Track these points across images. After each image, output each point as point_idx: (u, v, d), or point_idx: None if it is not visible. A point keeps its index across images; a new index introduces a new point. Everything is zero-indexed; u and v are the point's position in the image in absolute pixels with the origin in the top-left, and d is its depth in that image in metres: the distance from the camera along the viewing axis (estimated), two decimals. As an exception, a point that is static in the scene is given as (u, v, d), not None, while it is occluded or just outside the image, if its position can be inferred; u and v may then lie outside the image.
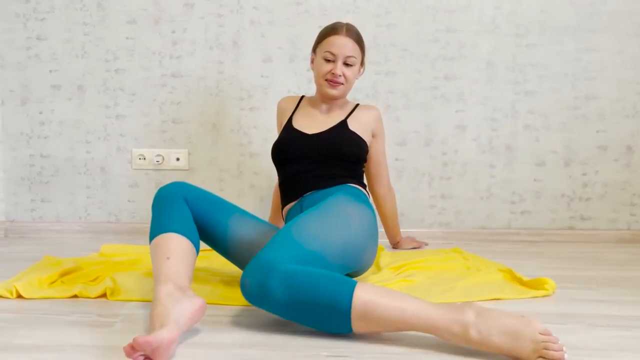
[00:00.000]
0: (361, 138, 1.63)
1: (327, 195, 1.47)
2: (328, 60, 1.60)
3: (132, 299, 1.30)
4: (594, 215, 2.27)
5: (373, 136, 1.75)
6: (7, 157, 2.26)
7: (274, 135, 1.86)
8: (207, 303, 1.25)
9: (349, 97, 1.98)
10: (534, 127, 2.25)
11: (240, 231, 1.38)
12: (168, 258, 1.16)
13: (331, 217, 1.27)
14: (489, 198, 2.28)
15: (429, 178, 2.27)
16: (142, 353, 0.89)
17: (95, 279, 1.45)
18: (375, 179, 1.88)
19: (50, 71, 2.23)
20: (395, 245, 2.05)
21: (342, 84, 1.61)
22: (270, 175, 2.24)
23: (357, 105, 1.72)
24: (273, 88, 2.23)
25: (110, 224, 2.27)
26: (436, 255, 1.83)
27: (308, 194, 1.53)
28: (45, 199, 2.28)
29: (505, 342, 0.92)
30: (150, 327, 0.98)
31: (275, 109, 1.93)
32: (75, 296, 1.31)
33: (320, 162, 1.55)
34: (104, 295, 1.33)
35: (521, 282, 1.46)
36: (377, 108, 1.76)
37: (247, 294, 1.06)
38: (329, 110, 1.69)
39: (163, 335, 0.90)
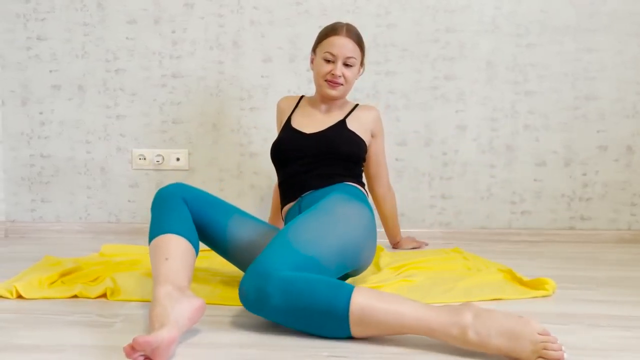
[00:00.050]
0: (360, 137, 1.63)
1: (325, 195, 1.47)
2: (328, 61, 1.60)
3: (132, 299, 1.30)
4: (594, 215, 2.27)
5: (372, 136, 1.75)
6: (7, 157, 2.26)
7: (274, 135, 1.86)
8: (207, 303, 1.25)
9: (349, 97, 1.98)
10: (534, 127, 2.25)
11: (239, 232, 1.38)
12: (167, 259, 1.16)
13: (328, 218, 1.26)
14: (489, 198, 2.28)
15: (429, 178, 2.27)
16: (142, 353, 0.89)
17: (95, 279, 1.45)
18: (375, 179, 1.88)
19: (51, 71, 2.23)
20: (395, 245, 2.05)
21: (342, 84, 1.61)
22: (270, 175, 2.24)
23: (357, 105, 1.72)
24: (273, 88, 2.23)
25: (110, 224, 2.27)
26: (436, 256, 1.83)
27: (306, 194, 1.53)
28: (45, 199, 2.28)
29: (504, 343, 0.92)
30: (150, 328, 0.98)
31: (275, 109, 1.93)
32: (75, 296, 1.31)
33: (318, 161, 1.55)
34: (104, 296, 1.33)
35: (521, 282, 1.46)
36: (377, 108, 1.76)
37: (245, 302, 1.06)
38: (328, 110, 1.69)
39: (163, 335, 0.91)
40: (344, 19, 2.14)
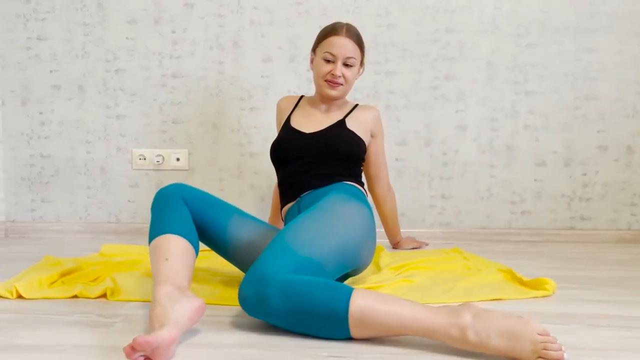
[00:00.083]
0: (359, 137, 1.63)
1: (324, 195, 1.47)
2: (328, 61, 1.60)
3: (132, 299, 1.30)
4: (594, 215, 2.27)
5: (372, 136, 1.75)
6: (7, 157, 2.26)
7: (274, 135, 1.86)
8: (207, 303, 1.25)
9: (348, 97, 1.99)
10: (534, 127, 2.25)
11: (239, 232, 1.38)
12: (167, 259, 1.16)
13: (327, 218, 1.26)
14: (489, 198, 2.28)
15: (429, 178, 2.27)
16: (142, 353, 0.89)
17: (95, 279, 1.45)
18: (374, 179, 1.88)
19: (51, 71, 2.23)
20: (395, 245, 2.05)
21: (342, 84, 1.61)
22: (270, 175, 2.24)
23: (357, 105, 1.72)
24: (273, 88, 2.23)
25: (110, 224, 2.27)
26: (436, 256, 1.83)
27: (306, 193, 1.53)
28: (45, 199, 2.28)
29: (503, 343, 0.92)
30: (150, 328, 0.98)
31: (275, 109, 1.92)
32: (75, 296, 1.31)
33: (318, 161, 1.55)
34: (104, 296, 1.33)
35: (521, 282, 1.46)
36: (377, 109, 1.76)
37: (245, 306, 1.06)
38: (327, 110, 1.69)
39: (163, 335, 0.91)
40: (344, 19, 2.14)
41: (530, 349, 0.91)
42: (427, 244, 2.11)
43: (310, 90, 2.19)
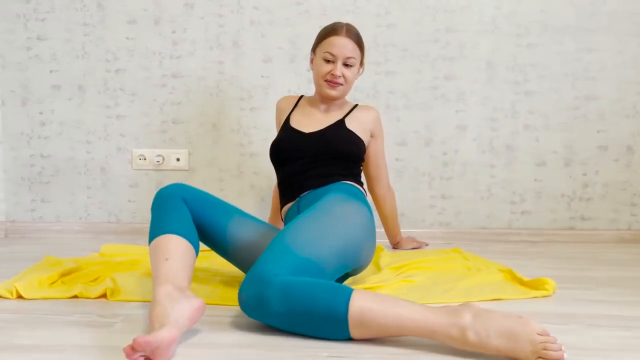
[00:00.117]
0: (359, 137, 1.63)
1: (323, 195, 1.47)
2: (328, 61, 1.60)
3: (132, 300, 1.30)
4: (594, 216, 2.27)
5: (372, 136, 1.75)
6: (7, 157, 2.26)
7: (274, 135, 1.86)
8: (207, 303, 1.25)
9: (348, 97, 1.99)
10: (534, 127, 2.25)
11: (239, 232, 1.38)
12: (167, 259, 1.16)
13: (326, 218, 1.26)
14: (489, 198, 2.28)
15: (429, 178, 2.27)
16: (142, 354, 0.89)
17: (95, 279, 1.45)
18: (374, 180, 1.88)
19: (51, 71, 2.23)
20: (395, 245, 2.05)
21: (342, 84, 1.61)
22: (270, 175, 2.24)
23: (356, 105, 1.72)
24: (273, 88, 2.23)
25: (110, 224, 2.27)
26: (436, 256, 1.83)
27: (305, 193, 1.53)
28: (45, 199, 2.28)
29: (503, 343, 0.92)
30: (150, 328, 0.98)
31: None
32: (75, 296, 1.31)
33: (317, 161, 1.55)
34: (104, 296, 1.33)
35: (521, 283, 1.46)
36: (376, 109, 1.76)
37: (245, 308, 1.06)
38: (327, 110, 1.69)
39: (163, 335, 0.91)
40: (344, 19, 2.14)
41: (530, 349, 0.91)
42: (427, 244, 2.11)
43: (310, 90, 2.19)
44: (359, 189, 1.55)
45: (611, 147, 2.25)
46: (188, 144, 2.26)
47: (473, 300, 1.31)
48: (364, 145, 1.66)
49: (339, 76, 1.59)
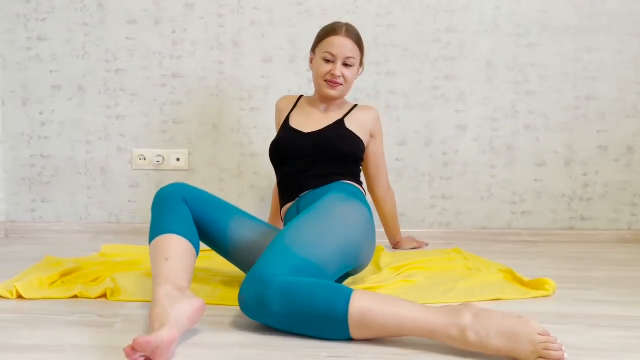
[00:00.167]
0: (358, 137, 1.63)
1: (322, 195, 1.47)
2: (327, 61, 1.60)
3: (132, 300, 1.30)
4: (594, 216, 2.27)
5: (371, 136, 1.75)
6: (7, 157, 2.26)
7: (274, 135, 1.86)
8: (207, 303, 1.25)
9: (348, 97, 1.99)
10: (534, 127, 2.25)
11: (240, 232, 1.38)
12: (167, 259, 1.16)
13: (325, 218, 1.26)
14: (489, 198, 2.28)
15: (429, 178, 2.27)
16: (142, 354, 0.89)
17: (95, 280, 1.45)
18: (374, 179, 1.88)
19: (51, 71, 2.23)
20: (395, 245, 2.05)
21: (342, 84, 1.61)
22: (270, 175, 2.24)
23: (356, 105, 1.72)
24: (273, 88, 2.23)
25: (110, 224, 2.27)
26: (437, 256, 1.83)
27: (304, 193, 1.53)
28: (45, 199, 2.28)
29: (503, 343, 0.92)
30: (150, 328, 0.98)
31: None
32: (75, 296, 1.31)
33: (316, 160, 1.55)
34: (104, 296, 1.33)
35: (522, 283, 1.46)
36: (376, 109, 1.76)
37: (245, 309, 1.06)
38: (327, 110, 1.69)
39: (163, 335, 0.91)
40: (344, 19, 2.14)
41: (531, 349, 0.91)
42: (427, 244, 2.11)
43: (310, 91, 2.19)
44: (358, 188, 1.55)
45: (611, 147, 2.25)
46: (188, 144, 2.26)
47: (473, 300, 1.31)
48: (364, 145, 1.66)
49: (339, 76, 1.59)
